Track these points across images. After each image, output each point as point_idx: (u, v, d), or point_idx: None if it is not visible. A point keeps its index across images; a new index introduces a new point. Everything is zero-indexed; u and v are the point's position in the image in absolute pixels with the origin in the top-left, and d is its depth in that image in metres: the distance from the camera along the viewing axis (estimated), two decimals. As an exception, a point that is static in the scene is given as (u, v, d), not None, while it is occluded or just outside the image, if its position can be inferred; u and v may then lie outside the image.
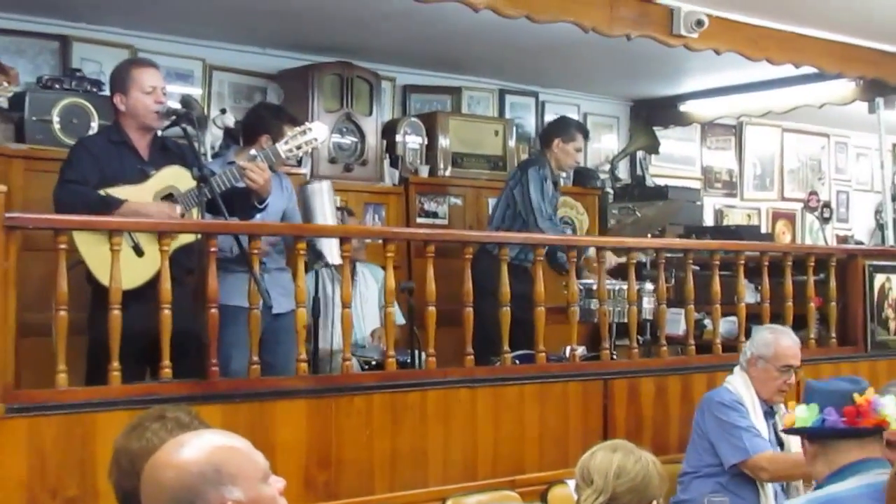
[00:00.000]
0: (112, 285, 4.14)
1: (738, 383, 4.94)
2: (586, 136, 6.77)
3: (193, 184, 4.69)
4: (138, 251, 4.30)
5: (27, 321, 4.67)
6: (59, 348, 4.06)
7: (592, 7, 5.59)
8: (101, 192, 4.58)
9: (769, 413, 4.91)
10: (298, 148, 4.96)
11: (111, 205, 4.54)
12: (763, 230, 9.77)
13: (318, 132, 4.97)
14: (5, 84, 4.32)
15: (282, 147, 4.92)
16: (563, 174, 7.92)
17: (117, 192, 4.64)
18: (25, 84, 5.89)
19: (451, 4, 5.32)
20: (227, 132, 6.37)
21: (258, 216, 4.94)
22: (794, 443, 4.60)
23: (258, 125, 5.50)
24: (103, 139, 4.91)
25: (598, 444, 3.40)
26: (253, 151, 5.11)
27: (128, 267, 4.29)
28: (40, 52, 6.27)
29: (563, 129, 6.68)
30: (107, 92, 5.93)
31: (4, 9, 6.03)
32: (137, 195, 4.67)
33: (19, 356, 5.08)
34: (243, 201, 4.86)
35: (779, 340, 4.94)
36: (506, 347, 5.16)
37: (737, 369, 5.04)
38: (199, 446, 2.08)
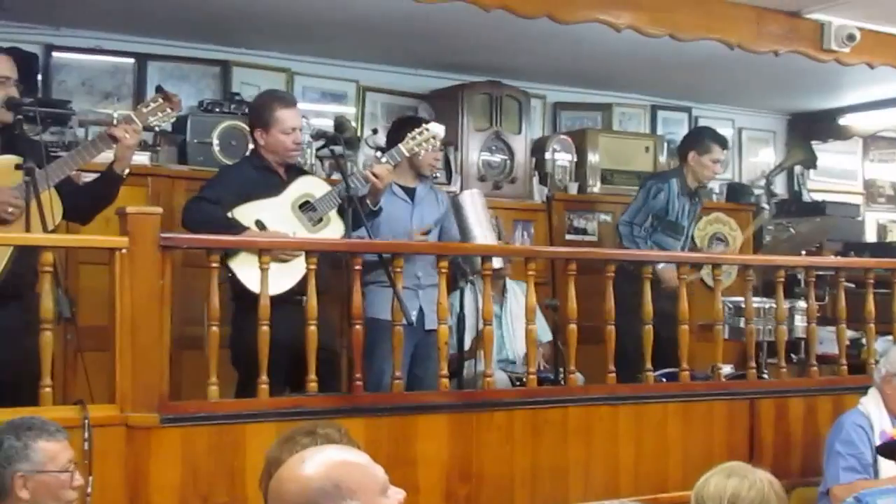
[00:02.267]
0: (261, 301, 4.32)
1: (870, 404, 4.88)
2: (724, 146, 6.56)
3: (327, 189, 4.97)
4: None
5: (189, 335, 4.94)
6: (210, 361, 4.26)
7: (738, 23, 5.55)
8: (229, 214, 4.82)
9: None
10: (418, 145, 5.21)
11: (233, 228, 4.78)
12: (929, 245, 9.44)
13: (436, 129, 5.23)
14: (169, 110, 4.55)
15: (403, 146, 5.17)
16: (713, 189, 7.87)
17: (257, 205, 4.91)
18: (188, 108, 6.17)
19: (597, 24, 5.38)
20: (380, 151, 6.52)
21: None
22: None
23: (395, 138, 5.65)
24: (247, 165, 5.18)
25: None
26: (377, 153, 5.28)
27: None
28: (202, 76, 6.57)
29: (697, 141, 6.52)
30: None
31: (170, 37, 6.34)
32: (275, 205, 4.94)
33: (180, 368, 5.38)
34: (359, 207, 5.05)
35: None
36: (648, 365, 5.16)
37: (871, 389, 4.95)
38: (320, 462, 2.16)
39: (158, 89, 4.64)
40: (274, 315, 4.36)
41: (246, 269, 4.62)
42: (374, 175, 5.02)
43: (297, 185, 5.04)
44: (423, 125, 5.28)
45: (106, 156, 4.48)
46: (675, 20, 5.44)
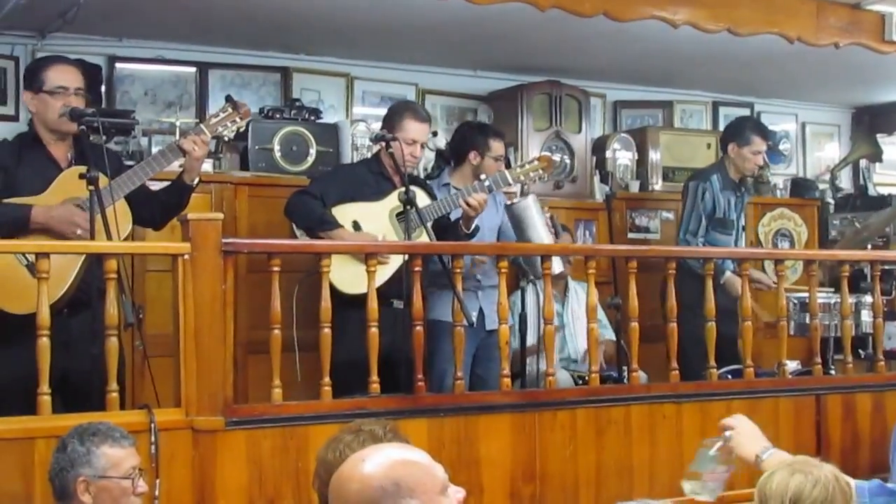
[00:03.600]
0: (322, 305, 4.36)
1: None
2: (766, 136, 6.45)
3: (427, 202, 5.07)
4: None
5: (256, 339, 5.00)
6: (274, 365, 4.30)
7: (798, 17, 5.50)
8: (326, 211, 4.95)
9: None
10: (526, 174, 5.28)
11: (326, 224, 4.92)
12: None
13: (549, 160, 5.38)
14: (238, 120, 4.62)
15: (510, 174, 5.25)
16: (777, 184, 7.80)
17: (358, 206, 5.08)
18: (251, 115, 6.23)
19: (654, 22, 5.37)
20: (439, 154, 6.55)
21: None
22: None
23: (464, 143, 5.71)
24: (363, 168, 5.34)
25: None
26: (483, 176, 5.31)
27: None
28: (263, 83, 6.63)
29: (737, 132, 6.42)
30: (324, 120, 6.28)
31: (230, 45, 6.42)
32: (374, 210, 5.08)
33: (247, 371, 5.46)
34: (454, 228, 5.12)
35: None
36: (711, 362, 5.13)
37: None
38: (380, 461, 2.17)
39: (228, 99, 4.69)
40: (355, 317, 4.45)
41: (336, 271, 4.61)
42: (469, 204, 5.08)
43: (398, 193, 5.04)
44: (536, 158, 5.39)
45: (175, 164, 4.56)
46: (733, 15, 5.41)
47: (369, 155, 5.73)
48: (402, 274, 4.77)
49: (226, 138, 5.21)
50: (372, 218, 5.05)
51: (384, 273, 4.76)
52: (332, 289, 4.49)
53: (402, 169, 5.00)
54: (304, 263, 4.84)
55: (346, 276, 4.78)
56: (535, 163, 5.30)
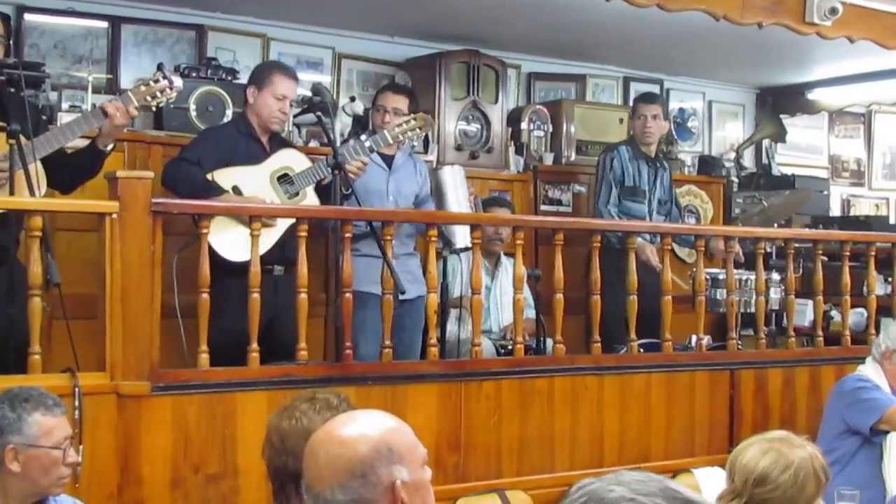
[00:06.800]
0: (251, 269, 4.27)
1: (870, 373, 4.94)
2: (650, 101, 6.61)
3: (308, 165, 4.97)
4: None
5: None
6: (201, 329, 4.20)
7: (725, -5, 5.55)
8: (209, 177, 4.81)
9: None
10: (403, 133, 5.24)
11: (213, 190, 4.78)
12: (892, 220, 9.54)
13: (425, 120, 5.30)
14: (168, 90, 4.44)
15: (389, 133, 5.22)
16: (685, 161, 7.92)
17: (235, 171, 4.91)
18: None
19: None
20: (356, 119, 6.47)
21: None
22: None
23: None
24: (232, 128, 5.18)
25: (755, 436, 3.12)
26: (363, 136, 5.32)
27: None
28: (178, 41, 6.45)
29: (633, 106, 6.73)
30: (241, 80, 6.12)
31: (145, 0, 6.23)
32: (254, 174, 4.93)
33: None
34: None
35: (914, 334, 4.91)
36: (632, 336, 5.18)
37: (869, 360, 5.03)
38: (373, 424, 2.13)
39: (160, 68, 4.52)
40: (238, 284, 4.33)
41: (217, 236, 4.55)
42: (356, 168, 5.01)
43: (278, 157, 5.04)
44: (413, 115, 5.33)
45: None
46: (663, -10, 5.42)
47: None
48: (285, 240, 4.74)
49: (152, 108, 5.04)
50: (252, 182, 4.91)
51: (267, 240, 4.66)
52: (214, 255, 4.44)
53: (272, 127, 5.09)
54: (185, 227, 4.67)
55: (227, 241, 4.65)
56: (413, 122, 5.26)
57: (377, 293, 4.74)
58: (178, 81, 4.48)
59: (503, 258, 6.20)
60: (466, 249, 5.21)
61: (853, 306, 6.14)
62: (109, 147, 4.40)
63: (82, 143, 4.45)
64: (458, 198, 5.40)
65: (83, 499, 3.57)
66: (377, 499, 2.03)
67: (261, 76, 5.15)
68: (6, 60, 4.16)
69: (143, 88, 4.39)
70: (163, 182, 4.85)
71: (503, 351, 5.51)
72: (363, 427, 2.10)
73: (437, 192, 5.48)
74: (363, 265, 4.97)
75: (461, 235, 5.24)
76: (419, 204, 5.66)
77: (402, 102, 5.62)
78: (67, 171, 4.39)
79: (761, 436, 3.08)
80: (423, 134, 5.59)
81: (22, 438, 3.11)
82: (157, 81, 4.40)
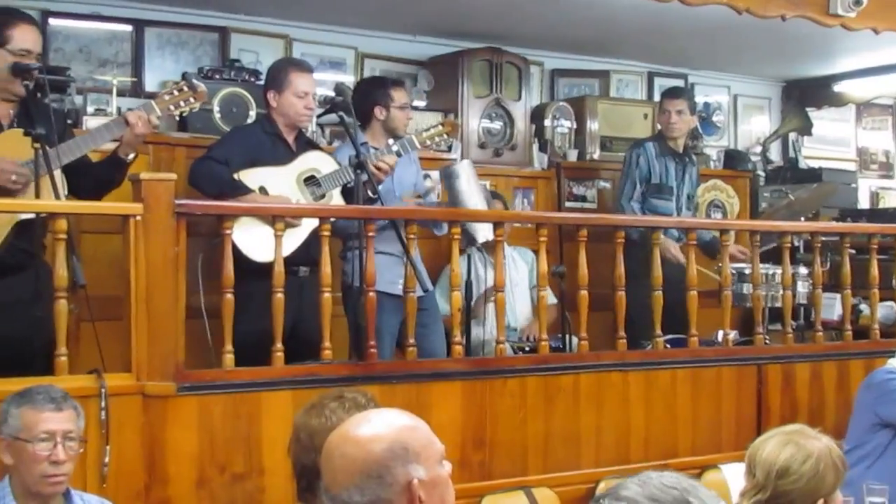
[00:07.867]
0: (275, 269, 4.29)
1: (900, 365, 4.90)
2: (675, 96, 6.58)
3: (335, 167, 4.94)
4: None
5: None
6: (225, 330, 4.21)
7: (746, -12, 5.52)
8: (235, 176, 4.79)
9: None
10: (431, 138, 5.26)
11: (238, 189, 4.76)
12: (922, 213, 9.46)
13: (452, 123, 5.45)
14: (192, 100, 4.46)
15: (416, 138, 5.21)
16: (710, 156, 7.88)
17: (262, 171, 4.88)
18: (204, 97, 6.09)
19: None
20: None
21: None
22: None
23: (366, 100, 5.52)
24: (258, 129, 5.15)
25: (770, 430, 3.14)
26: (391, 141, 5.28)
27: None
28: (201, 43, 6.48)
29: (659, 101, 6.76)
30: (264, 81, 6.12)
31: (169, 3, 6.25)
32: (280, 175, 4.91)
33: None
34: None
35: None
36: (658, 331, 5.15)
37: (900, 354, 4.98)
38: (387, 423, 2.14)
39: (184, 77, 4.54)
40: (264, 285, 4.32)
41: (242, 235, 4.55)
42: (379, 168, 4.97)
43: (305, 158, 5.01)
44: (441, 122, 5.38)
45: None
46: (684, -16, 5.41)
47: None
48: (310, 241, 4.72)
49: (176, 117, 5.03)
50: (278, 183, 4.89)
51: (293, 240, 4.66)
52: (240, 256, 4.44)
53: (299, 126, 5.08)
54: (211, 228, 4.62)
55: (253, 242, 4.64)
56: (440, 127, 5.29)
57: (389, 292, 4.76)
58: (203, 89, 4.48)
59: (508, 249, 6.14)
60: (487, 244, 5.25)
61: (882, 299, 6.11)
62: (131, 156, 4.40)
63: (108, 147, 4.47)
64: (472, 190, 5.38)
65: (110, 498, 3.61)
66: (394, 498, 2.04)
67: (277, 78, 5.09)
68: (29, 65, 4.18)
69: (167, 98, 4.40)
70: (189, 180, 4.86)
71: (520, 352, 5.51)
72: (377, 427, 2.11)
73: (449, 190, 5.45)
74: (381, 265, 4.92)
75: (483, 231, 5.24)
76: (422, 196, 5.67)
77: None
78: (90, 181, 4.40)
79: (776, 430, 3.08)
80: (451, 140, 5.57)
81: (7, 430, 3.22)
82: (181, 90, 4.41)
